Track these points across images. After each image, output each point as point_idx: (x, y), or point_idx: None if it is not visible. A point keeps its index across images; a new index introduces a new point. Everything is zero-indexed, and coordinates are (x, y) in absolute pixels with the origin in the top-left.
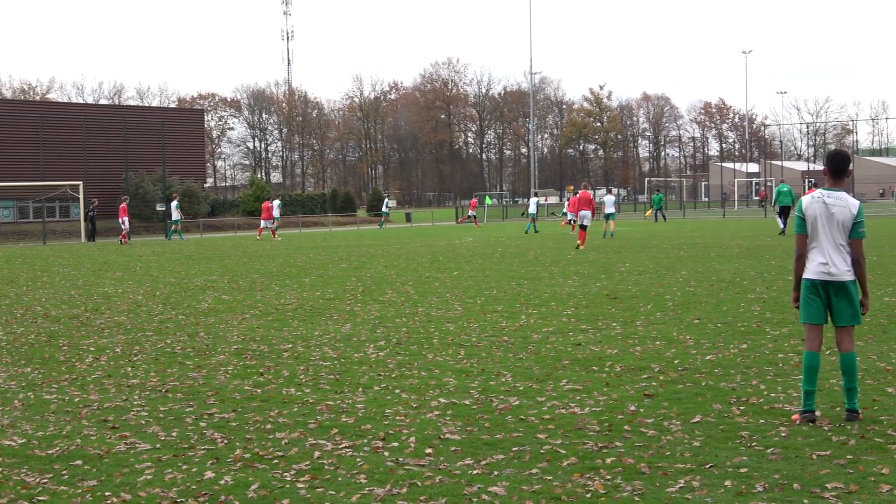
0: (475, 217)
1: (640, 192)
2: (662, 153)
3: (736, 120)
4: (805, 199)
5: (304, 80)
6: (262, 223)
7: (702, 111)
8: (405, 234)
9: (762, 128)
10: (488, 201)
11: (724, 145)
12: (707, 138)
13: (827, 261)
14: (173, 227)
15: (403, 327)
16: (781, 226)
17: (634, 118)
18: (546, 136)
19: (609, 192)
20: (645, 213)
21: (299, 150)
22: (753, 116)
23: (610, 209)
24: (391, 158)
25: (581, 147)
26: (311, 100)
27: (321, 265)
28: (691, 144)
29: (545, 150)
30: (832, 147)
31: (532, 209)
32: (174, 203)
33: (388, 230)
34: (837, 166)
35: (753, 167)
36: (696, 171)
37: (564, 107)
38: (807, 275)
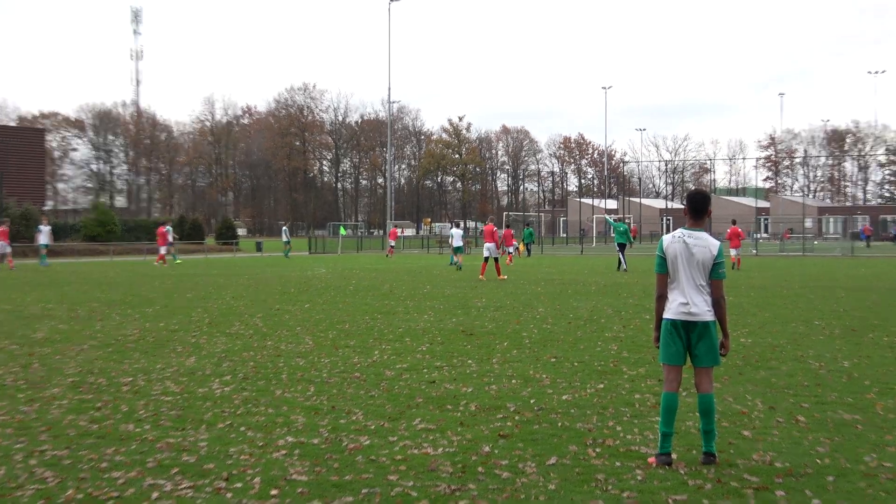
0: (393, 247)
1: (498, 225)
2: (521, 187)
3: (595, 155)
4: (666, 239)
5: (153, 101)
6: (161, 249)
7: (561, 145)
8: (256, 265)
9: (621, 164)
10: (342, 231)
11: (583, 181)
12: (566, 173)
13: (687, 301)
14: (43, 252)
15: (251, 361)
16: (622, 264)
17: (493, 150)
18: (403, 166)
19: (456, 225)
20: (518, 247)
21: (146, 174)
22: (613, 152)
23: (458, 243)
24: (243, 185)
25: (439, 178)
26: (159, 122)
27: (166, 294)
28: (550, 179)
29: (402, 180)
30: (691, 186)
31: (457, 242)
32: (45, 227)
33: (240, 259)
34: (697, 206)
35: (612, 203)
36: (555, 206)
37: (423, 137)
38: (667, 314)
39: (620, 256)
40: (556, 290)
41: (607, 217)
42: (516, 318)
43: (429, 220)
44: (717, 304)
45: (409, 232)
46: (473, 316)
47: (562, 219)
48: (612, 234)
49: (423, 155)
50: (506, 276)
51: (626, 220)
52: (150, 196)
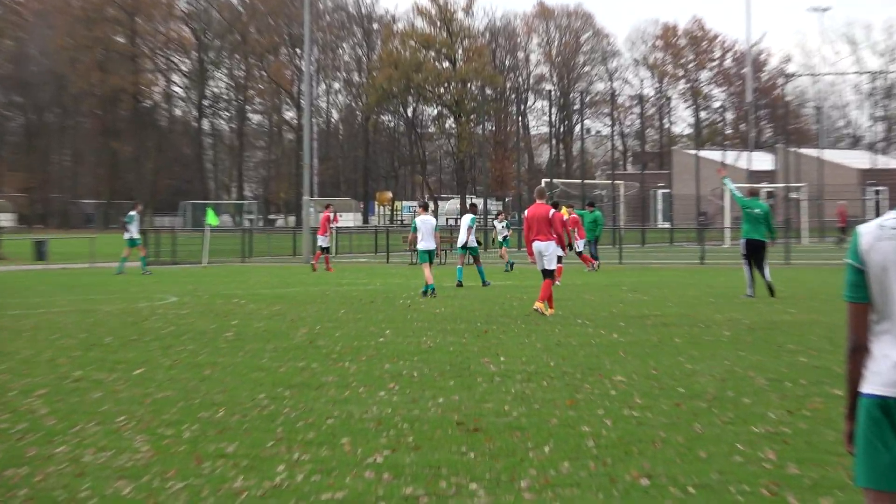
0: (324, 249)
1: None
2: (578, 127)
3: (728, 63)
4: (866, 233)
5: None
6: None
7: (658, 44)
8: (38, 287)
9: (782, 79)
10: (212, 220)
11: (703, 113)
12: (668, 98)
13: None
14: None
15: None
16: (753, 284)
17: (522, 53)
18: (338, 87)
19: (472, 208)
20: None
21: None
22: (763, 56)
23: (469, 239)
24: (4, 125)
25: (411, 111)
26: None
27: None
28: (635, 110)
29: (335, 115)
30: None
31: (463, 238)
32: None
33: (3, 276)
34: None
35: (763, 160)
36: (646, 166)
37: (378, 26)
38: (872, 387)
39: (745, 268)
40: (648, 336)
41: (726, 181)
42: (569, 395)
43: (389, 195)
44: None
45: (350, 220)
46: (481, 391)
47: (660, 191)
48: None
49: (378, 62)
50: (552, 310)
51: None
52: None
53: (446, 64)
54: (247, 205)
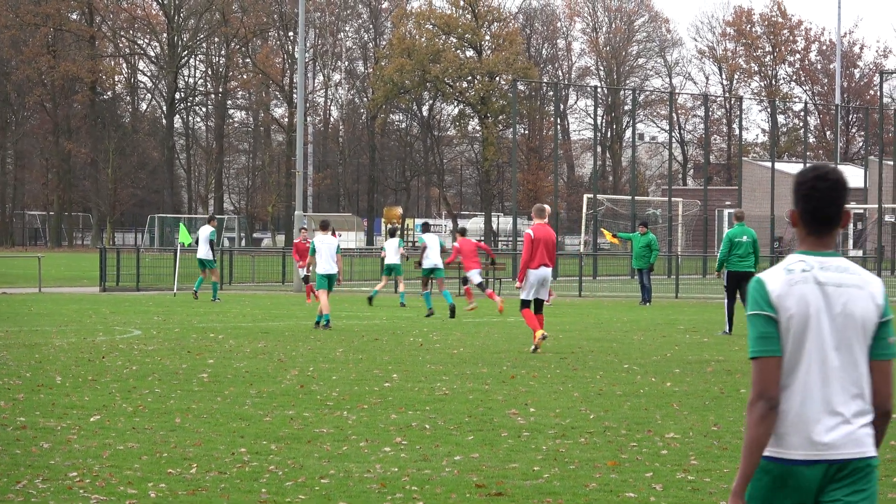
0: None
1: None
2: (629, 130)
3: (813, 56)
4: (774, 278)
5: None
6: None
7: (727, 31)
8: None
9: (876, 78)
10: (184, 238)
11: (778, 118)
12: (739, 98)
13: (829, 415)
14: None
15: None
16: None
17: (562, 40)
18: (338, 79)
19: (427, 228)
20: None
21: None
22: (857, 46)
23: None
24: None
25: (426, 108)
26: None
27: None
28: (698, 110)
29: (334, 114)
30: None
31: (392, 258)
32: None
33: None
34: (824, 206)
35: (853, 175)
36: (710, 179)
37: (387, 8)
38: (777, 449)
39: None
40: (709, 386)
41: None
42: (611, 455)
43: (398, 211)
44: (885, 418)
45: (352, 240)
46: (506, 448)
47: (726, 211)
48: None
49: (387, 49)
50: (542, 335)
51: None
52: None
53: (470, 53)
54: (227, 220)
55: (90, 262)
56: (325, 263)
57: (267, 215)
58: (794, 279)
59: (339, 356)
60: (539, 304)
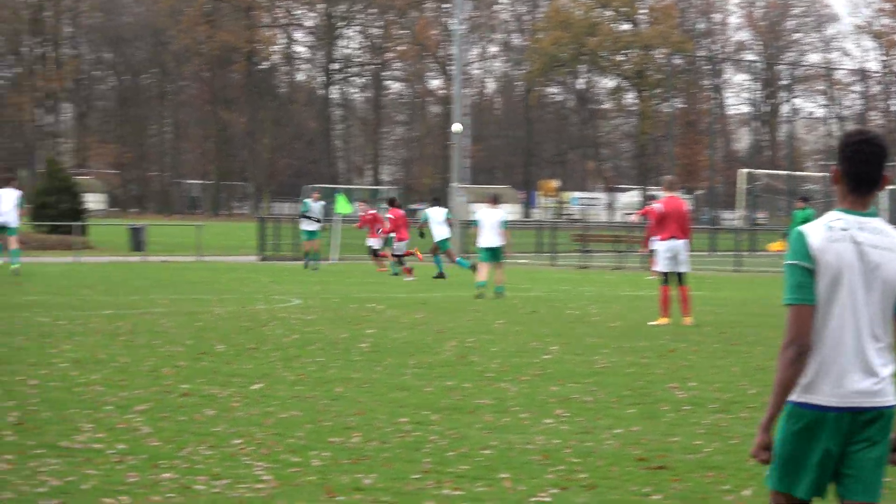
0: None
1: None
2: (786, 107)
3: None
4: (813, 232)
5: None
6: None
7: (884, 5)
8: (125, 279)
9: None
10: (342, 207)
11: None
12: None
13: (859, 366)
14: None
15: None
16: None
17: (718, 14)
18: (495, 50)
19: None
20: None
21: None
22: None
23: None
24: (96, 88)
25: (582, 82)
26: None
27: None
28: (856, 88)
29: (490, 86)
30: None
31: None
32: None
33: (91, 268)
34: (866, 166)
35: None
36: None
37: None
38: (804, 395)
39: None
40: None
41: None
42: None
43: (554, 184)
44: None
45: (510, 210)
46: (666, 422)
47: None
48: None
49: (544, 21)
50: (663, 322)
51: None
52: None
53: (626, 26)
54: (384, 191)
55: (247, 232)
56: (488, 236)
57: (423, 187)
58: (833, 236)
59: (498, 328)
60: (680, 277)
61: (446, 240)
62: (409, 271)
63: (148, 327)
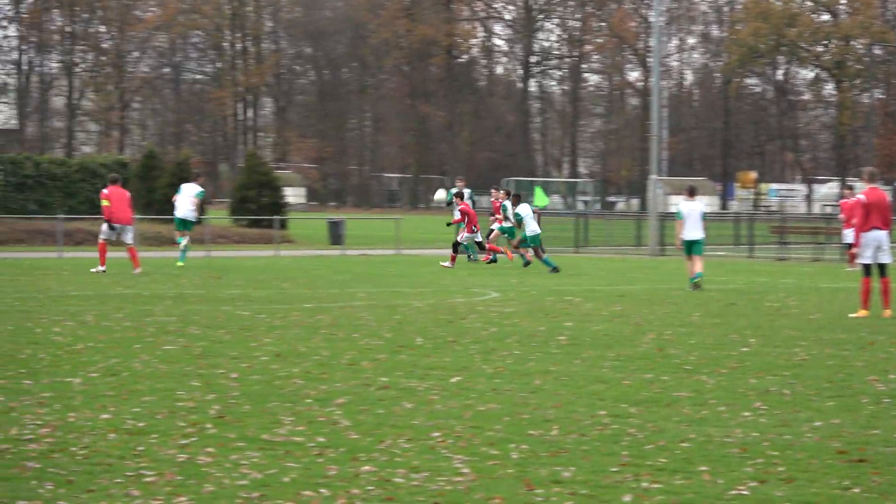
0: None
1: None
2: None
3: None
4: None
5: None
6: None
7: None
8: (324, 273)
9: None
10: (541, 200)
11: None
12: None
13: None
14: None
15: None
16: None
17: None
18: (692, 42)
19: (511, 196)
20: None
21: (63, 52)
22: None
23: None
24: (295, 83)
25: (781, 72)
26: None
27: (117, 343)
28: None
29: (688, 77)
30: None
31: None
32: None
33: (292, 263)
34: None
35: None
36: None
37: None
38: None
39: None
40: None
41: None
42: None
43: (752, 176)
44: None
45: (707, 202)
46: (867, 414)
47: None
48: None
49: (742, 12)
50: (863, 315)
51: None
52: (74, 102)
53: (826, 16)
54: (581, 184)
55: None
56: (692, 229)
57: (621, 179)
58: None
59: (696, 320)
60: (882, 268)
61: (536, 235)
62: (454, 259)
63: (348, 321)
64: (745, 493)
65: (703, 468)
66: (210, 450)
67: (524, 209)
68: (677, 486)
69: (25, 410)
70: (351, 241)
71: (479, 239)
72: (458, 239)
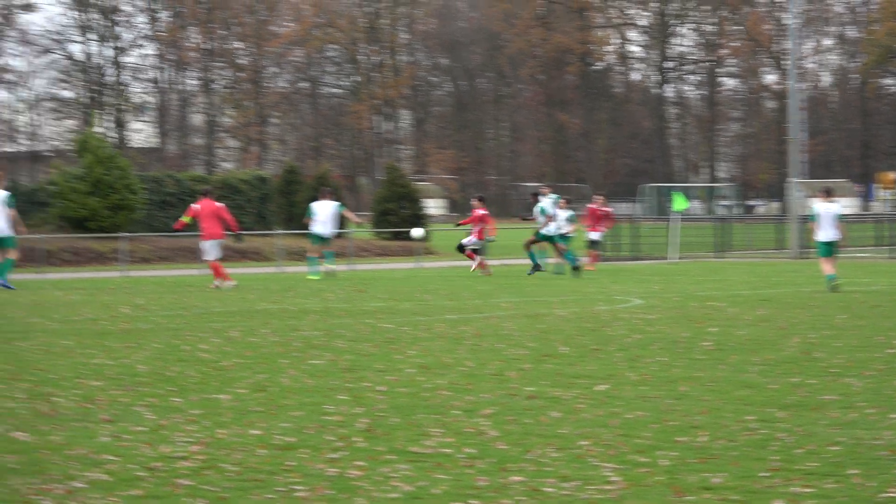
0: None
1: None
2: None
3: None
4: None
5: None
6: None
7: None
8: (466, 284)
9: None
10: (680, 204)
11: None
12: None
13: None
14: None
15: None
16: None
17: None
18: (829, 42)
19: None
20: None
21: (202, 69)
22: None
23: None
24: (432, 94)
25: None
26: None
27: (264, 359)
28: None
29: (826, 79)
30: None
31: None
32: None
33: (432, 275)
34: None
35: None
36: None
37: None
38: None
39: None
40: None
41: None
42: None
43: (892, 177)
44: None
45: (847, 204)
46: None
47: None
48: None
49: (878, 12)
50: None
51: None
52: (213, 119)
53: None
54: (721, 188)
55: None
56: (826, 230)
57: (760, 183)
58: None
59: (840, 323)
60: None
61: (564, 234)
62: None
63: (492, 331)
64: None
65: (854, 471)
66: (360, 463)
67: (547, 204)
68: (828, 490)
69: (175, 428)
70: (494, 252)
71: (477, 246)
72: (463, 242)
